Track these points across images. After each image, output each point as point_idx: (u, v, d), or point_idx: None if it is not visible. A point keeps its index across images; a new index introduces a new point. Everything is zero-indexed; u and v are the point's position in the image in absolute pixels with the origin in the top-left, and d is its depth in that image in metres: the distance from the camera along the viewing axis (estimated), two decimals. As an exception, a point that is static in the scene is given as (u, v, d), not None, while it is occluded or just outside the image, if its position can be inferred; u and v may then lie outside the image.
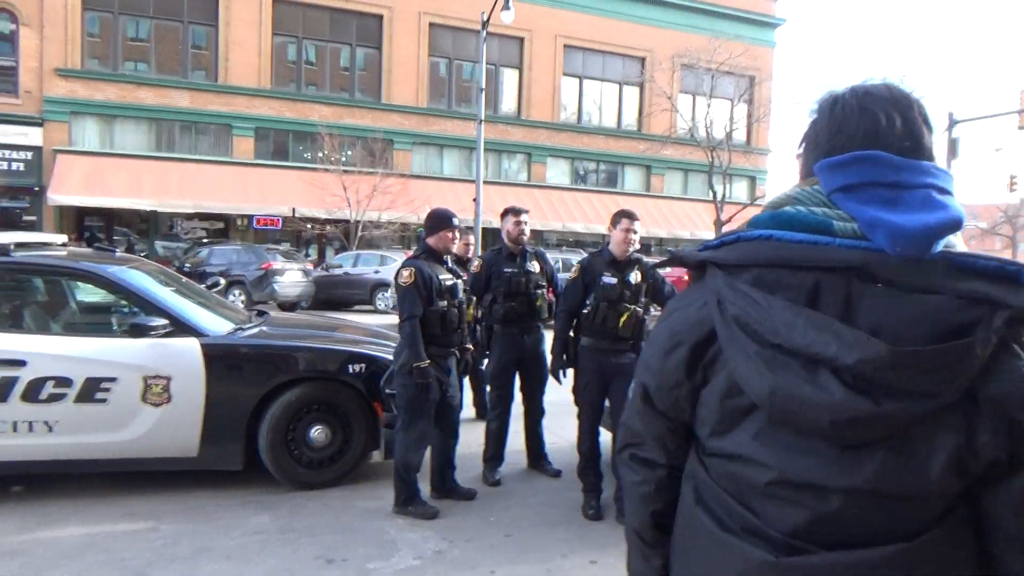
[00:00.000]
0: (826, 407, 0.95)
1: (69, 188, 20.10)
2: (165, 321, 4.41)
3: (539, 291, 5.03)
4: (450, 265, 4.56)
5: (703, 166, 27.08)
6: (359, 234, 21.84)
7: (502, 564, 3.74)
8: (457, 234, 4.57)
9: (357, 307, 17.80)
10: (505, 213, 5.16)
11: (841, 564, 0.96)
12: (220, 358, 4.49)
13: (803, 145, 1.17)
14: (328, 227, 22.61)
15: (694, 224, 27.98)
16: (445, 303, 4.31)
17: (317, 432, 4.66)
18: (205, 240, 22.26)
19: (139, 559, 3.66)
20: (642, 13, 28.60)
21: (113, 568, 3.56)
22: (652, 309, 4.59)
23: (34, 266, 4.65)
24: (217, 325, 4.77)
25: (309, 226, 22.66)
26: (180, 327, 4.48)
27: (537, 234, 27.13)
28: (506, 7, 18.99)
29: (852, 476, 0.96)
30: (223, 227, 23.67)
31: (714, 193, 25.77)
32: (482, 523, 4.28)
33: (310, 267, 18.81)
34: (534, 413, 5.22)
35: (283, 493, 4.60)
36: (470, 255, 6.46)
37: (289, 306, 16.26)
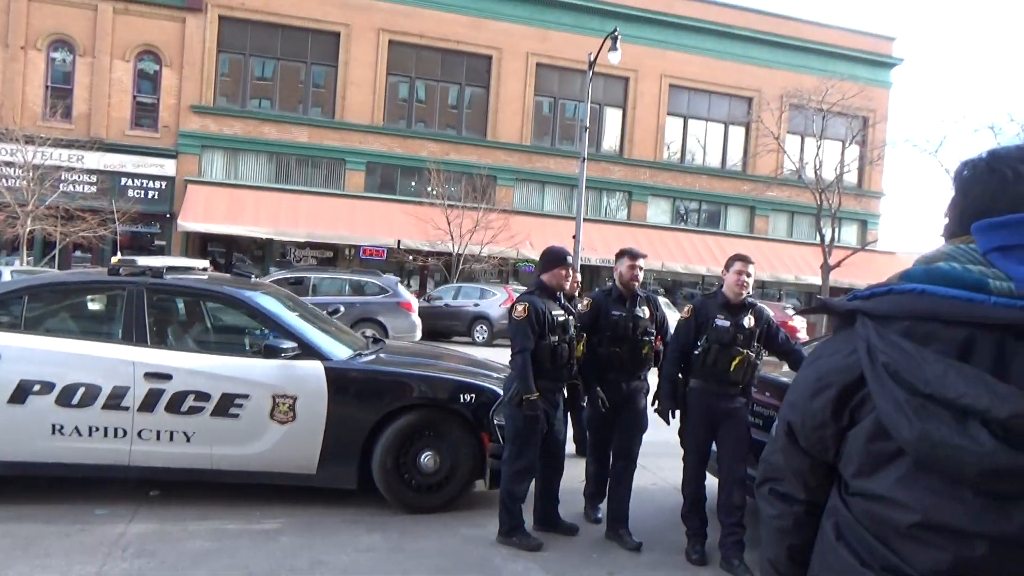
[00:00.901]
0: (976, 457, 0.99)
1: (196, 215, 21.62)
2: (294, 344, 4.72)
3: (647, 338, 4.72)
4: (563, 302, 4.65)
5: (811, 208, 26.32)
6: (460, 267, 22.38)
7: None
8: (570, 271, 4.69)
9: (456, 338, 18.17)
10: (620, 255, 4.88)
11: None
12: (341, 381, 4.75)
13: (952, 204, 1.22)
14: (430, 259, 23.28)
15: (799, 268, 27.13)
16: (556, 338, 4.39)
17: (427, 458, 4.83)
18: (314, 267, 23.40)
19: (261, 567, 3.90)
20: (751, 53, 28.31)
21: (238, 572, 3.81)
22: (764, 354, 4.53)
23: (183, 288, 5.10)
24: (339, 350, 5.05)
25: (411, 257, 23.39)
26: (307, 350, 4.78)
27: (635, 272, 26.98)
28: (613, 48, 19.24)
29: (1000, 525, 1.00)
30: (332, 256, 24.78)
31: (822, 236, 24.94)
32: (583, 560, 4.32)
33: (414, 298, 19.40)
34: (619, 462, 4.74)
35: (392, 515, 4.78)
36: (576, 292, 6.56)
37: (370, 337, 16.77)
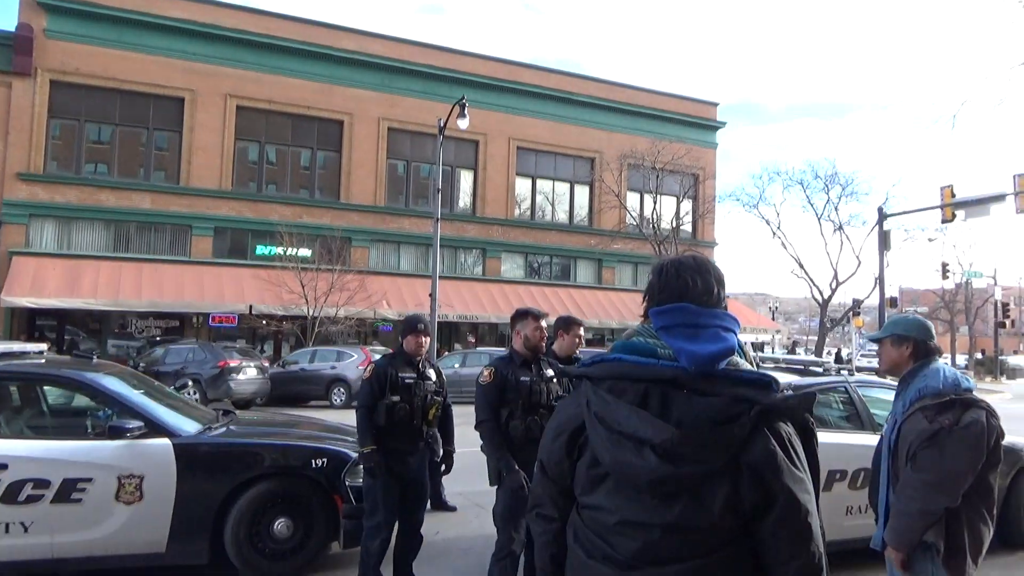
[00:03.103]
0: (647, 471, 1.46)
1: (22, 290, 20.12)
2: (140, 423, 4.74)
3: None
4: (422, 368, 4.70)
5: (652, 259, 28.24)
6: (316, 330, 22.11)
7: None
8: (423, 339, 4.76)
9: (313, 402, 17.91)
10: (522, 316, 4.38)
11: (660, 575, 1.46)
12: (190, 456, 4.81)
13: (646, 296, 1.73)
14: (285, 323, 22.84)
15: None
16: (397, 398, 4.54)
17: (280, 525, 4.96)
18: (158, 339, 22.31)
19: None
20: (591, 117, 30.35)
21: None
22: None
23: (17, 374, 4.97)
24: (187, 425, 5.10)
25: (264, 322, 22.86)
26: (154, 428, 4.81)
27: (493, 327, 27.71)
28: (462, 114, 20.14)
29: (666, 516, 1.47)
30: (178, 325, 23.71)
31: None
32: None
33: (266, 364, 18.96)
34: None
35: (247, 586, 4.84)
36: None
37: (244, 403, 16.31)
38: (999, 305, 38.45)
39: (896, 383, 3.12)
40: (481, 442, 4.23)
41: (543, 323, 4.33)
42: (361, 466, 4.61)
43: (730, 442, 1.45)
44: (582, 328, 4.85)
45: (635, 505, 1.49)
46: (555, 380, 4.29)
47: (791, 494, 1.46)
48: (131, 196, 23.18)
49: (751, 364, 1.67)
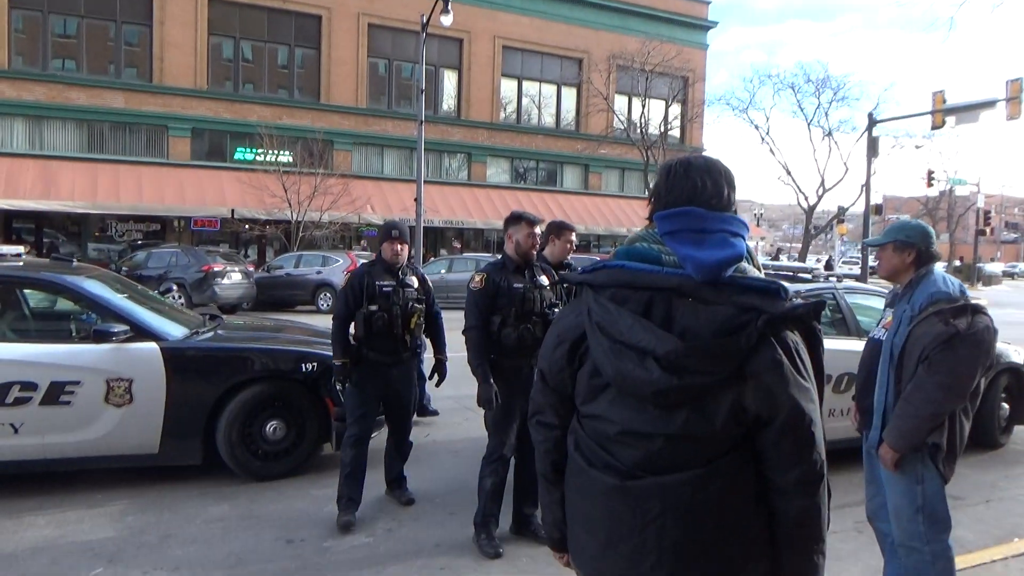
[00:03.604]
0: (650, 383, 1.42)
1: (-3, 191, 19.64)
2: (126, 327, 4.69)
3: (555, 310, 4.17)
4: (402, 277, 4.53)
5: (639, 164, 27.97)
6: (300, 235, 21.90)
7: (446, 539, 4.18)
8: (398, 246, 4.52)
9: (299, 307, 17.93)
10: (515, 220, 4.19)
11: (661, 483, 1.45)
12: (179, 361, 4.79)
13: (651, 198, 1.65)
14: (268, 228, 22.58)
15: (631, 221, 28.85)
16: (376, 307, 4.41)
17: (272, 427, 5.01)
18: (140, 242, 22.00)
19: (109, 547, 3.97)
20: (578, 15, 29.29)
21: (84, 555, 3.86)
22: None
23: (-4, 277, 4.87)
24: (174, 329, 5.06)
25: (247, 227, 22.58)
26: (140, 332, 4.76)
27: (478, 232, 27.61)
28: (445, 10, 19.31)
29: (668, 426, 1.44)
30: (159, 228, 23.42)
31: (650, 190, 26.59)
32: (430, 506, 4.71)
33: (251, 268, 18.84)
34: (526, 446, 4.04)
35: (240, 485, 4.94)
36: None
37: (230, 308, 16.30)
38: (981, 212, 38.69)
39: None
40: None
41: (537, 229, 4.15)
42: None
43: (736, 352, 1.41)
44: (574, 234, 4.76)
45: (637, 415, 1.47)
46: (549, 287, 4.17)
47: (797, 404, 1.44)
48: (103, 94, 22.36)
49: (759, 270, 1.61)
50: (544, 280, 4.19)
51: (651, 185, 22.95)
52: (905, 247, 2.97)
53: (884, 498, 3.05)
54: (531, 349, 3.95)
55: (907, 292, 2.95)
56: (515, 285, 4.06)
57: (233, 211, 22.16)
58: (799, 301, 1.51)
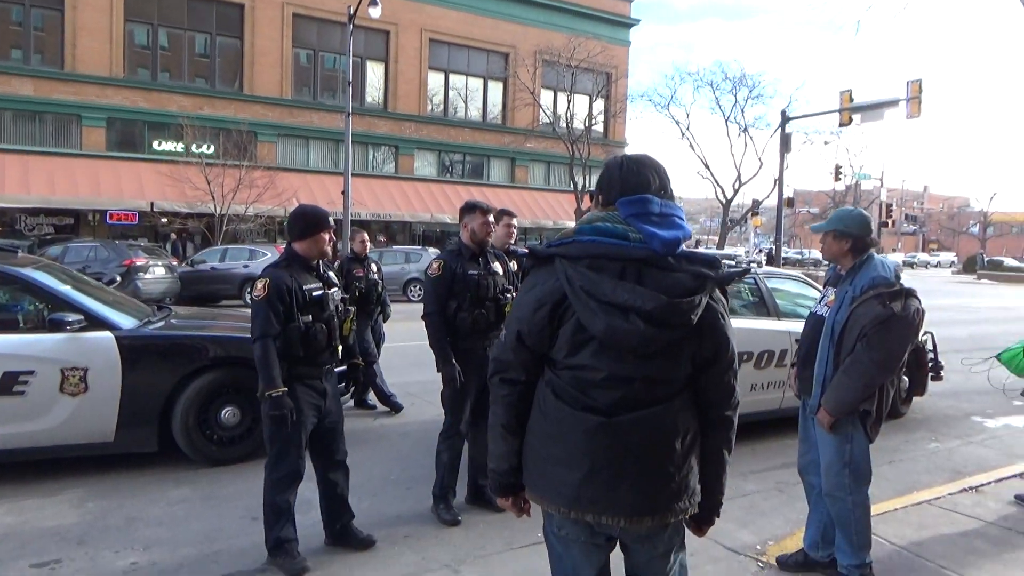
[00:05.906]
0: (636, 335, 1.75)
1: None
2: (80, 316, 4.72)
3: (507, 296, 4.38)
4: (325, 273, 3.87)
5: (564, 158, 28.54)
6: (224, 228, 21.47)
7: (406, 512, 4.43)
8: (332, 235, 3.81)
9: (225, 302, 17.64)
10: (470, 209, 4.34)
11: (636, 417, 1.80)
12: (133, 349, 4.86)
13: (600, 187, 1.96)
14: (190, 221, 22.04)
15: (556, 214, 29.42)
16: (310, 317, 3.63)
17: (228, 413, 5.13)
18: (49, 237, 21.09)
19: (75, 531, 4.04)
20: (505, 10, 29.61)
21: (52, 539, 3.93)
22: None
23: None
24: (126, 319, 5.11)
25: (164, 220, 21.95)
26: (93, 321, 4.80)
27: (405, 225, 27.64)
28: (373, 2, 19.31)
29: (647, 370, 1.79)
30: (73, 223, 22.53)
31: (575, 184, 27.23)
32: (387, 484, 4.93)
33: (175, 262, 18.39)
34: (482, 422, 3.85)
35: (198, 469, 5.04)
36: (367, 252, 7.04)
37: (153, 303, 15.86)
38: (883, 205, 41.03)
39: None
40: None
41: (490, 218, 4.36)
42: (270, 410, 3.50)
43: (695, 308, 1.77)
44: (515, 219, 5.00)
45: (619, 363, 1.79)
46: (501, 273, 4.43)
47: (731, 346, 1.88)
48: (10, 81, 21.33)
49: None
50: (498, 267, 4.46)
51: (576, 179, 23.29)
52: (842, 236, 3.37)
53: (815, 455, 3.50)
54: (484, 332, 4.28)
55: (850, 275, 3.36)
56: (470, 272, 4.27)
57: (152, 204, 21.54)
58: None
